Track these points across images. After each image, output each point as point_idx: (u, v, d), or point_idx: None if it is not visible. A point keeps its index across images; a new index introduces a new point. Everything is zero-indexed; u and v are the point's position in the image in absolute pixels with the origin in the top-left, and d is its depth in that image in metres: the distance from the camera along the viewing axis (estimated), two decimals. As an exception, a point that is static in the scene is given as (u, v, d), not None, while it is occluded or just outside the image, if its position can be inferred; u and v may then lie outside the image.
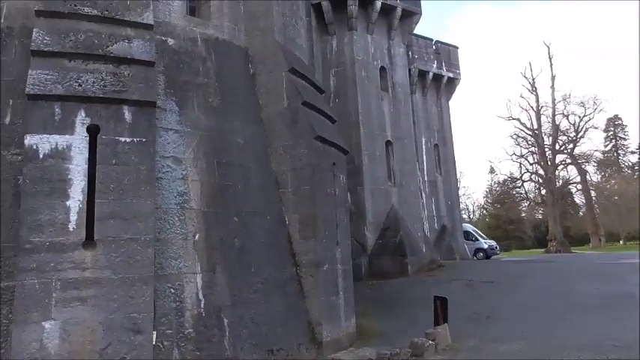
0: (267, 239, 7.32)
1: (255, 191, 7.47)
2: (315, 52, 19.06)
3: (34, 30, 5.94)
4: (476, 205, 69.59)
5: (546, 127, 40.08)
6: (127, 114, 5.90)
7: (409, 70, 25.40)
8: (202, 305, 6.28)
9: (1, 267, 5.51)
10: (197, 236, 6.54)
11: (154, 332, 5.77)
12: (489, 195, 65.57)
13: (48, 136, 5.53)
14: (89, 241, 5.49)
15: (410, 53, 25.59)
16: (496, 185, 59.93)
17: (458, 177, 45.01)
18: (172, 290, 6.15)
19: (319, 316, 7.33)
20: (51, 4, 6.10)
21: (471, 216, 67.65)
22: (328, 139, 8.08)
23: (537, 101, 40.15)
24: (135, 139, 5.87)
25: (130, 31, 6.42)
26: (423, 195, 25.03)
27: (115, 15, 6.39)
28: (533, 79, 40.29)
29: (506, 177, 49.33)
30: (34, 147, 5.47)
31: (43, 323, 5.20)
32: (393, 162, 19.39)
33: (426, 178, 25.46)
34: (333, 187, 8.08)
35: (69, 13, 6.14)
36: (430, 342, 6.79)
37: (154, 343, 5.72)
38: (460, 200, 59.96)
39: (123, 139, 5.81)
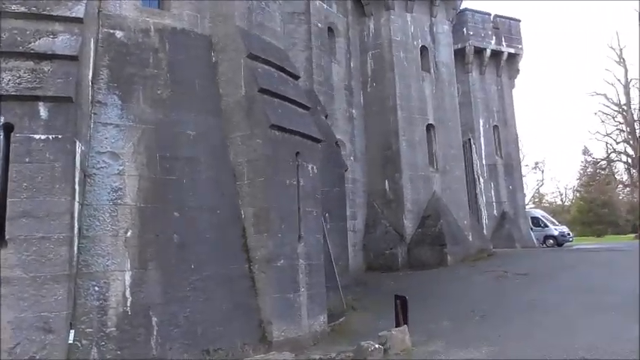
0: (215, 235, 7.03)
1: (205, 185, 7.19)
2: (351, 35, 18.46)
3: (-40, 32, 6.03)
4: (569, 188, 64.68)
5: (636, 102, 36.11)
6: (43, 110, 5.83)
7: (464, 47, 24.01)
8: (129, 303, 6.13)
9: None
10: (129, 233, 6.40)
11: (72, 331, 5.70)
12: (583, 177, 60.87)
13: (-38, 136, 5.60)
14: (1, 240, 5.50)
15: (465, 30, 24.14)
16: (589, 166, 55.51)
17: (523, 159, 42.21)
18: (97, 288, 6.05)
19: (270, 315, 6.94)
20: (-22, 6, 6.17)
21: (564, 199, 63.31)
22: (289, 127, 7.59)
23: (626, 75, 36.20)
24: (50, 136, 5.78)
25: (57, 26, 6.35)
26: (481, 180, 23.55)
27: (43, 10, 6.35)
28: (620, 50, 36.42)
29: (593, 158, 45.30)
30: (-51, 147, 5.56)
31: (-46, 320, 5.29)
32: (436, 147, 18.34)
33: (484, 162, 23.92)
34: (295, 178, 7.59)
35: (-4, 13, 6.17)
36: (378, 346, 6.14)
37: (70, 341, 5.65)
38: (543, 183, 56.24)
39: (37, 137, 5.75)
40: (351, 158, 17.31)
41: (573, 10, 77.37)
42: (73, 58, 6.19)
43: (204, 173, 7.24)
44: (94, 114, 6.73)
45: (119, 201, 6.48)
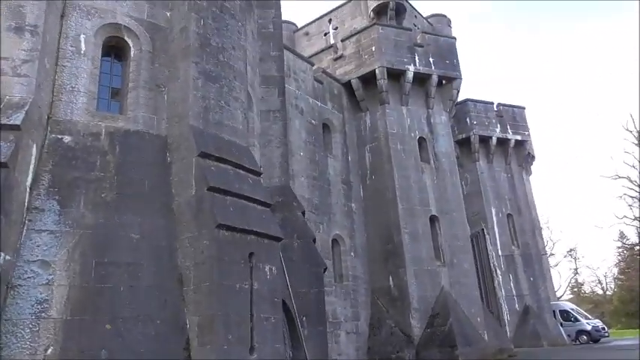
0: (152, 348, 6.35)
1: (145, 292, 6.65)
2: (347, 130, 18.60)
3: None
4: (608, 276, 60.94)
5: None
6: (-40, 221, 5.56)
7: (469, 137, 23.88)
8: None
9: None
10: (49, 350, 5.82)
11: None
12: (620, 263, 57.59)
13: None
14: None
15: (468, 119, 24.18)
16: (627, 252, 52.69)
17: (553, 247, 40.21)
18: (3, 417, 5.39)
19: None
20: None
21: (605, 288, 59.86)
22: (240, 226, 7.14)
23: (645, 157, 35.11)
24: (-36, 248, 5.46)
25: (-8, 134, 6.27)
26: (498, 272, 22.21)
27: (-20, 120, 6.32)
28: (638, 132, 35.73)
29: (628, 244, 43.06)
30: None
31: None
32: (441, 239, 17.56)
33: (500, 253, 22.78)
34: (248, 282, 7.00)
35: None
36: None
37: None
38: (577, 272, 53.40)
39: (-50, 249, 5.43)
40: (352, 254, 16.66)
41: (583, 94, 78.32)
42: (2, 165, 6.02)
43: (146, 280, 6.73)
44: (29, 221, 6.44)
45: (43, 314, 5.97)
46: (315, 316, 9.64)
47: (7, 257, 5.94)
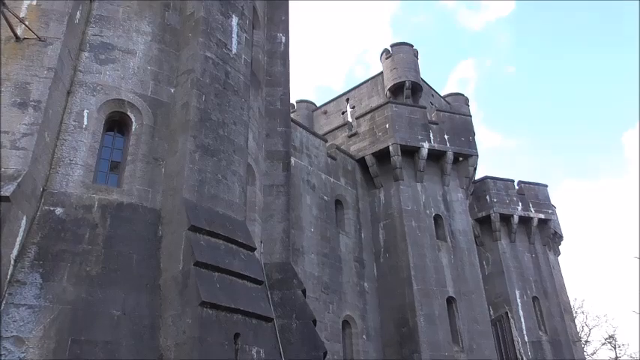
0: None
1: (120, 374, 6.28)
2: (361, 206, 18.37)
3: None
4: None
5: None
6: None
7: (489, 215, 23.27)
8: None
9: None
10: None
11: None
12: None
13: None
14: None
15: (488, 197, 23.63)
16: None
17: (589, 333, 37.73)
18: None
19: None
20: None
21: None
22: (226, 304, 6.81)
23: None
24: None
25: (-19, 205, 6.28)
26: (525, 360, 20.81)
27: (-29, 191, 6.36)
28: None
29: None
30: None
31: None
32: (459, 322, 16.66)
33: (526, 339, 21.37)
34: (231, 365, 6.57)
35: None
36: None
37: None
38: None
39: None
40: (363, 337, 15.87)
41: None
42: (-19, 237, 5.96)
43: (123, 360, 6.38)
44: (9, 294, 6.27)
45: (8, 396, 5.65)
46: (314, 405, 8.97)
47: (-21, 332, 5.73)
